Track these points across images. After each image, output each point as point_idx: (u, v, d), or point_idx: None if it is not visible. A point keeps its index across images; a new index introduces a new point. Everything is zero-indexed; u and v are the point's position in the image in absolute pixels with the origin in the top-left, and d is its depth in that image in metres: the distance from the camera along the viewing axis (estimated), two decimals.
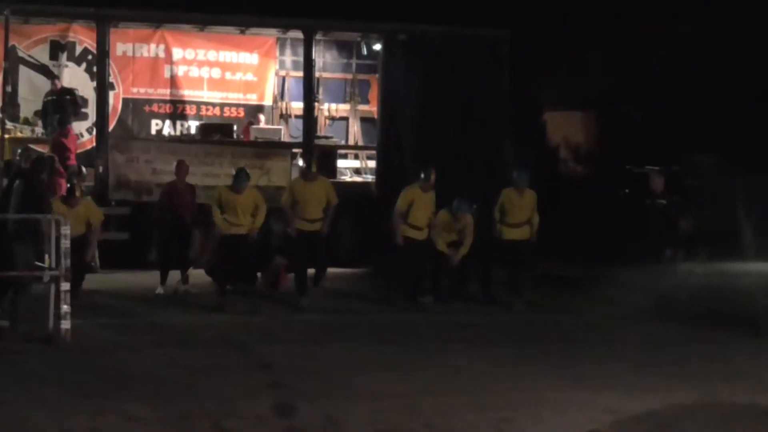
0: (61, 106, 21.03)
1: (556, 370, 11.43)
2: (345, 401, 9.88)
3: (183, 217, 17.35)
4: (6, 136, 20.62)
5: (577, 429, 9.13)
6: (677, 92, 24.38)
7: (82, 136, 22.03)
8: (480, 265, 17.27)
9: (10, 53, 22.19)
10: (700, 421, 9.62)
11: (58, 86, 21.92)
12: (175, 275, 17.06)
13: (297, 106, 24.44)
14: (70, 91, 21.67)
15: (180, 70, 24.10)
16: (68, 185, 14.49)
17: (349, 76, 25.74)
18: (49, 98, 21.56)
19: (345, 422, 9.17)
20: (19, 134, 21.57)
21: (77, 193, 15.70)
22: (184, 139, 23.24)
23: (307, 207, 16.33)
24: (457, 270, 16.65)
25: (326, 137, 24.21)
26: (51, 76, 22.70)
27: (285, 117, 25.08)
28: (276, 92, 24.99)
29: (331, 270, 17.03)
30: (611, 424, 9.30)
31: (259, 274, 16.77)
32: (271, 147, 22.66)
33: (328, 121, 25.38)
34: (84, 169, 20.51)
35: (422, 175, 16.73)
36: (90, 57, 22.96)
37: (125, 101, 23.61)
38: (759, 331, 13.83)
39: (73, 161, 20.02)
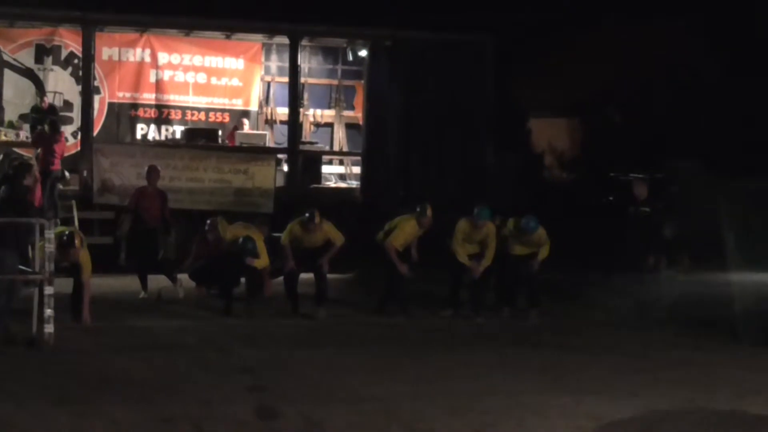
0: (41, 124, 20.96)
1: (537, 375, 11.42)
2: (326, 405, 9.84)
3: (148, 221, 17.39)
4: None
5: None
6: (660, 98, 24.43)
7: (67, 140, 22.02)
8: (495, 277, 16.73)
9: None
10: (683, 428, 9.66)
11: (46, 105, 21.92)
12: (158, 279, 17.13)
13: (282, 112, 24.47)
14: (54, 112, 21.61)
15: (165, 75, 24.15)
16: (66, 234, 13.91)
17: (335, 82, 25.84)
18: (35, 115, 21.55)
19: (326, 426, 9.12)
20: (3, 137, 21.58)
21: (76, 243, 14.30)
22: (169, 143, 23.28)
23: (308, 251, 16.20)
24: (479, 283, 16.19)
25: (311, 143, 24.30)
26: (40, 88, 22.73)
27: (270, 122, 25.14)
28: (261, 97, 25.07)
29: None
30: (589, 429, 9.30)
31: (242, 279, 16.77)
32: (256, 152, 22.68)
33: (313, 127, 25.44)
34: (67, 173, 20.54)
35: (419, 209, 16.17)
36: (75, 61, 23.00)
37: (110, 105, 23.64)
38: (739, 338, 13.88)
39: (57, 166, 20.01)
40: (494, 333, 14.57)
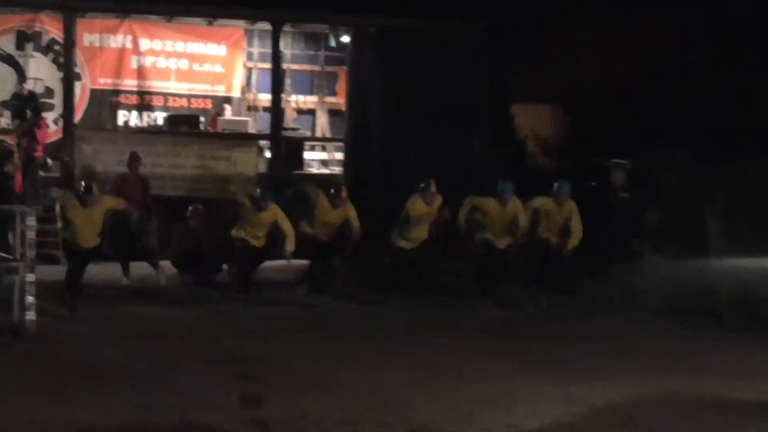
0: (22, 110, 20.88)
1: (527, 363, 11.41)
2: (313, 393, 9.82)
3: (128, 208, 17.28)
4: None
5: (545, 420, 9.14)
6: (647, 86, 24.50)
7: (48, 127, 21.94)
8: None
9: None
10: (667, 413, 9.68)
11: (26, 91, 21.82)
12: (140, 266, 17.13)
13: (264, 98, 24.47)
14: (35, 98, 21.51)
15: (147, 61, 24.08)
16: (85, 185, 14.25)
17: (317, 68, 25.80)
18: (15, 102, 21.45)
19: (314, 414, 9.05)
20: None
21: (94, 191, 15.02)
22: (151, 130, 23.23)
23: (326, 227, 16.46)
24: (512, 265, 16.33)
25: (293, 129, 24.28)
26: (21, 75, 22.65)
27: (252, 108, 25.09)
28: (243, 84, 25.00)
29: (299, 262, 17.00)
30: (576, 415, 9.32)
31: (225, 266, 16.80)
32: (238, 138, 22.71)
33: (295, 113, 25.39)
34: (49, 160, 20.52)
35: (422, 185, 16.11)
36: (57, 47, 22.93)
37: (92, 92, 23.55)
38: (721, 325, 13.92)
39: (40, 153, 19.99)
40: (477, 321, 14.51)
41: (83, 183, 15.59)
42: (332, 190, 16.29)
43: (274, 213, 16.00)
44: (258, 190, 15.98)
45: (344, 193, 16.30)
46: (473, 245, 16.22)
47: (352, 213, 16.28)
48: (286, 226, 15.83)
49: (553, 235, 16.22)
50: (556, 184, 16.18)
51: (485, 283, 16.13)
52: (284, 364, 11.15)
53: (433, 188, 15.89)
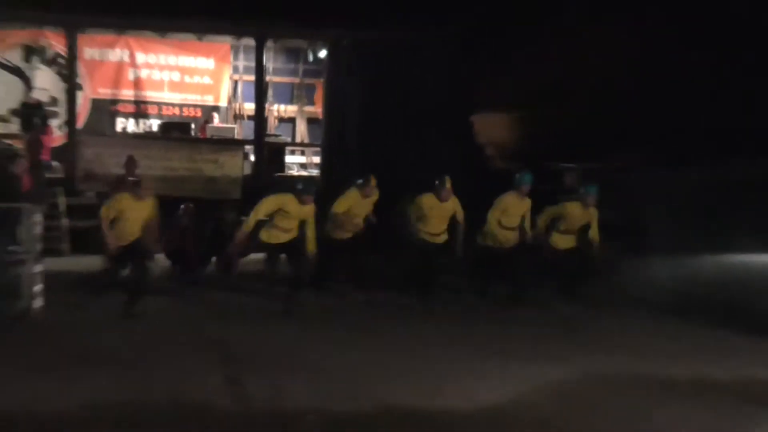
0: (30, 118, 20.91)
1: (485, 345, 11.54)
2: (290, 374, 9.93)
3: None
4: None
5: (500, 394, 9.31)
6: (607, 94, 24.40)
7: (53, 133, 21.97)
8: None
9: None
10: (604, 388, 9.79)
11: (34, 101, 21.85)
12: None
13: (249, 107, 24.55)
14: (41, 107, 21.53)
15: (143, 73, 24.17)
16: (133, 179, 13.83)
17: (297, 80, 25.92)
18: (24, 110, 21.47)
19: (290, 392, 9.22)
20: None
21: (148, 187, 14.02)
22: (146, 136, 23.28)
23: (354, 219, 15.26)
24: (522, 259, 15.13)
25: (275, 135, 24.35)
26: (28, 85, 22.68)
27: (238, 117, 25.18)
28: (230, 94, 25.09)
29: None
30: (527, 390, 9.46)
31: (213, 259, 16.84)
32: (225, 144, 22.77)
33: (277, 121, 25.48)
34: (54, 163, 20.59)
35: (437, 182, 14.78)
36: (60, 60, 22.98)
37: (93, 101, 23.63)
38: (666, 312, 13.99)
39: (46, 156, 20.09)
40: (438, 310, 14.46)
41: (131, 178, 14.88)
42: (360, 181, 15.08)
43: (310, 210, 14.15)
44: (300, 186, 14.09)
45: (373, 182, 15.10)
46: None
47: (458, 205, 14.85)
48: (312, 228, 14.27)
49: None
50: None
51: (482, 279, 15.47)
52: (263, 348, 11.22)
53: (373, 183, 15.07)
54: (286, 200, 13.79)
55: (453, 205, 14.71)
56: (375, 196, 15.15)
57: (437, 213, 14.66)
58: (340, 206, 14.94)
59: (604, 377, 10.26)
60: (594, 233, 14.92)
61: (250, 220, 13.67)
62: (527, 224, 14.99)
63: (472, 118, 25.09)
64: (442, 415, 8.67)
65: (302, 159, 24.77)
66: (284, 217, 13.86)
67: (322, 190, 21.04)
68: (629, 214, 19.48)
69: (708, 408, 9.15)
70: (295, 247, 14.10)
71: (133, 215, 13.39)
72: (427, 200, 14.66)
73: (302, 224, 14.09)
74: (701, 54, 22.23)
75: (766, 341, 11.91)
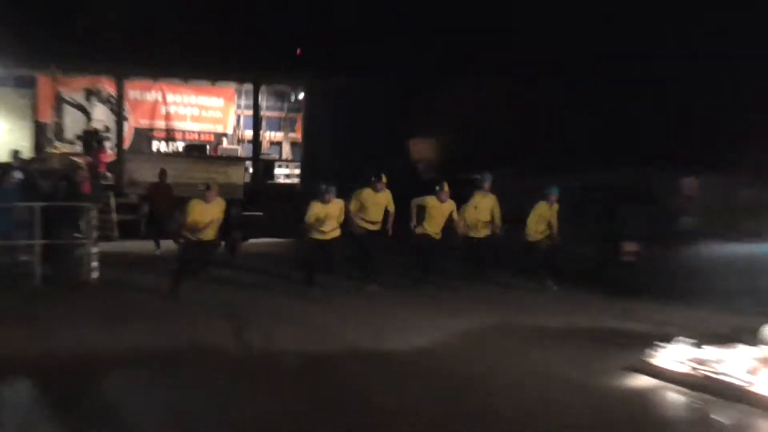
0: (90, 142, 20.75)
1: (427, 307, 11.53)
2: (279, 326, 9.93)
3: (161, 204, 17.23)
4: (56, 150, 20.54)
5: (430, 338, 9.39)
6: (501, 124, 24.34)
7: (107, 151, 21.81)
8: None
9: (58, 97, 22.05)
10: (503, 335, 9.85)
11: (93, 129, 21.67)
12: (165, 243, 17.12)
13: (248, 134, 24.51)
14: (98, 134, 21.34)
15: (171, 109, 24.04)
16: (206, 185, 12.07)
17: (283, 115, 25.86)
18: (86, 136, 21.27)
19: (278, 338, 9.27)
20: (64, 150, 21.36)
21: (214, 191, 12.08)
22: (174, 154, 23.15)
23: (371, 213, 12.96)
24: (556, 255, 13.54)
25: (267, 154, 24.31)
26: (88, 117, 22.48)
27: (240, 141, 25.06)
28: (234, 124, 24.96)
29: (270, 240, 16.77)
30: (448, 335, 9.52)
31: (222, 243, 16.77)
32: (231, 160, 22.75)
33: (269, 144, 25.39)
34: (109, 174, 20.45)
35: (437, 188, 13.17)
36: (111, 99, 22.78)
37: (135, 130, 23.46)
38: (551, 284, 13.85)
39: (103, 169, 19.95)
40: (397, 289, 13.50)
41: (204, 183, 12.68)
42: (373, 178, 12.93)
43: (340, 205, 12.44)
44: (324, 186, 12.25)
45: (384, 179, 12.91)
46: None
47: (389, 198, 13.02)
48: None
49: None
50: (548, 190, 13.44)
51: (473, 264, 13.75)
52: (260, 308, 11.13)
53: (384, 181, 12.88)
54: (319, 206, 12.21)
55: (450, 206, 13.11)
56: (386, 192, 12.93)
57: (438, 212, 13.07)
58: (354, 205, 12.86)
59: (498, 326, 10.33)
60: (555, 225, 13.36)
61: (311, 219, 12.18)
62: (497, 219, 13.34)
63: (408, 141, 25.18)
64: (387, 354, 8.74)
65: (287, 171, 24.71)
66: (317, 220, 12.22)
67: (301, 193, 21.15)
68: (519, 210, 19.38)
69: (570, 347, 9.26)
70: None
71: (201, 218, 11.76)
72: (430, 201, 12.99)
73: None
74: (578, 91, 22.39)
75: (614, 301, 12.01)
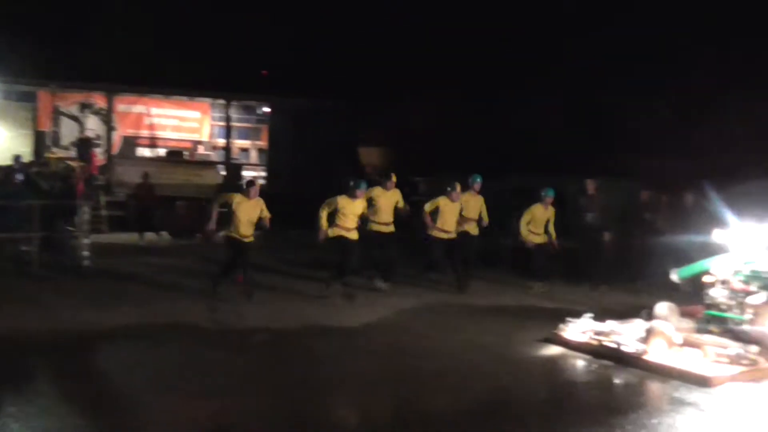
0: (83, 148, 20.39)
1: (370, 292, 11.24)
2: (250, 305, 9.88)
3: (146, 202, 17.41)
4: (51, 156, 20.23)
5: (377, 316, 9.34)
6: (439, 135, 24.46)
7: (98, 157, 21.42)
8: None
9: (56, 110, 21.76)
10: (438, 311, 9.87)
11: (86, 137, 21.33)
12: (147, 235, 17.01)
13: (221, 142, 24.23)
14: (90, 141, 20.97)
15: (155, 120, 23.64)
16: (248, 182, 10.26)
17: (251, 125, 25.62)
18: (79, 143, 20.87)
19: (249, 316, 9.25)
20: (60, 154, 20.97)
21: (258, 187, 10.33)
22: (157, 159, 22.83)
23: (382, 213, 11.04)
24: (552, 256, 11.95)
25: (237, 159, 24.09)
26: (82, 127, 22.09)
27: (214, 147, 24.77)
28: (209, 133, 24.66)
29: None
30: (395, 313, 9.49)
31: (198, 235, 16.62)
32: (206, 164, 22.53)
33: (238, 150, 25.17)
34: (99, 176, 20.12)
35: (449, 188, 11.38)
36: (102, 112, 22.41)
37: (123, 138, 23.03)
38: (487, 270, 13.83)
39: (95, 172, 19.63)
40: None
41: (247, 181, 10.75)
42: (383, 177, 11.23)
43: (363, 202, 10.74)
44: (352, 183, 10.45)
45: (394, 178, 11.03)
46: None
47: (399, 195, 11.20)
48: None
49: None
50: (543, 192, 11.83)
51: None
52: (233, 289, 10.48)
53: (393, 179, 11.04)
54: (339, 200, 10.38)
55: (457, 205, 11.47)
56: (396, 190, 11.11)
57: (449, 210, 11.32)
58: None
59: (436, 305, 10.37)
60: (551, 227, 11.84)
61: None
62: (484, 218, 11.81)
63: (358, 149, 25.22)
64: (341, 329, 8.74)
65: (254, 173, 24.50)
66: (343, 215, 10.34)
67: (267, 192, 21.02)
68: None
69: (496, 322, 9.37)
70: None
71: (245, 215, 10.03)
72: (442, 201, 11.34)
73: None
74: (495, 110, 22.68)
75: (535, 284, 12.05)
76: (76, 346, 7.63)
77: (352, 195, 10.32)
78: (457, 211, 11.49)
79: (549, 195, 11.65)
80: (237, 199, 10.04)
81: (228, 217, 10.17)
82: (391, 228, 11.08)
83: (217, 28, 26.66)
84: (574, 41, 21.45)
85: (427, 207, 11.41)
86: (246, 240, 10.10)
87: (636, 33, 20.00)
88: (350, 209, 10.32)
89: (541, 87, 20.94)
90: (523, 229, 11.67)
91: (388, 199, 11.03)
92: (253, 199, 10.06)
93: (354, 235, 10.39)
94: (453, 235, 11.50)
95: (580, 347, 7.98)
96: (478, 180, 11.69)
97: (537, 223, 11.74)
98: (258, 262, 11.29)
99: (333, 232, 10.28)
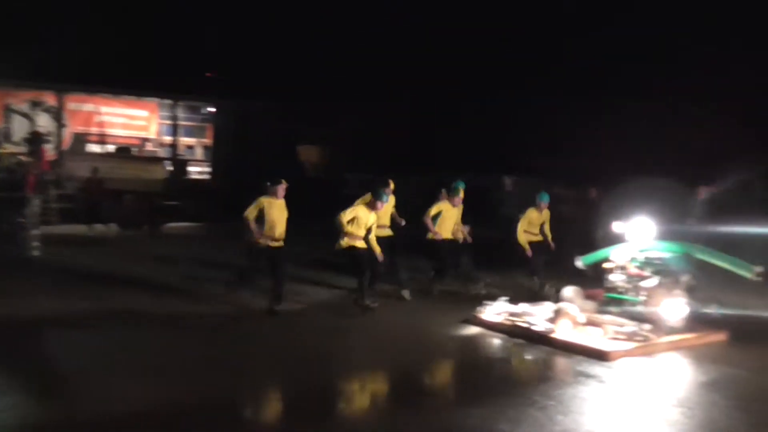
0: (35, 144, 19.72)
1: (315, 276, 11.37)
2: (198, 295, 9.81)
3: (95, 195, 17.20)
4: (3, 151, 19.59)
5: (323, 297, 9.41)
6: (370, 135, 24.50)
7: (49, 152, 20.72)
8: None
9: (7, 107, 21.04)
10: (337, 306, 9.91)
11: (37, 133, 20.62)
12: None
13: (168, 139, 23.75)
14: (41, 137, 20.29)
15: (104, 117, 23.04)
16: (274, 180, 8.70)
17: (196, 124, 25.18)
18: (31, 139, 20.18)
19: (196, 303, 9.19)
20: (11, 150, 20.30)
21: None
22: (106, 154, 22.27)
23: (381, 218, 9.57)
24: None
25: (183, 155, 23.69)
26: (33, 124, 21.37)
27: (161, 144, 24.28)
28: (157, 130, 24.15)
29: (185, 224, 16.34)
30: (303, 308, 9.49)
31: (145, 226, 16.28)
32: (153, 160, 22.11)
33: (184, 147, 24.72)
34: (50, 170, 19.52)
35: (451, 192, 10.40)
36: (53, 109, 21.72)
37: (74, 134, 22.37)
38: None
39: (45, 167, 18.99)
40: None
41: (273, 178, 9.06)
42: (268, 183, 9.10)
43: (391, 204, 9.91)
44: (373, 193, 9.20)
45: (392, 185, 9.70)
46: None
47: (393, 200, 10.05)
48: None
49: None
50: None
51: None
52: (182, 283, 10.72)
53: (391, 187, 9.76)
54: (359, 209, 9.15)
55: (459, 210, 10.51)
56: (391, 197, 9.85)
57: (450, 216, 10.31)
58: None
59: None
60: (547, 228, 10.96)
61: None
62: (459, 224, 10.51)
63: (297, 147, 25.14)
64: (282, 313, 8.68)
65: (199, 169, 24.15)
66: (358, 226, 9.06)
67: (213, 189, 20.85)
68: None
69: (422, 305, 9.35)
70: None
71: (276, 216, 8.70)
72: (444, 206, 10.29)
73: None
74: (425, 115, 22.87)
75: (457, 272, 12.13)
76: (25, 332, 7.43)
77: (372, 206, 9.11)
78: (457, 217, 10.48)
79: (544, 200, 10.74)
80: (265, 202, 8.68)
81: (258, 223, 8.67)
82: (389, 232, 9.91)
83: (167, 32, 26.25)
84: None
85: (432, 211, 10.24)
86: (275, 245, 8.70)
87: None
88: (367, 220, 9.10)
89: (481, 89, 21.17)
90: (520, 235, 10.66)
91: (387, 205, 9.76)
92: (281, 199, 8.80)
93: (363, 245, 9.08)
94: (451, 239, 10.40)
95: (495, 327, 8.13)
96: (462, 186, 10.39)
97: (533, 226, 10.80)
98: (196, 252, 11.09)
99: (345, 242, 8.99)
